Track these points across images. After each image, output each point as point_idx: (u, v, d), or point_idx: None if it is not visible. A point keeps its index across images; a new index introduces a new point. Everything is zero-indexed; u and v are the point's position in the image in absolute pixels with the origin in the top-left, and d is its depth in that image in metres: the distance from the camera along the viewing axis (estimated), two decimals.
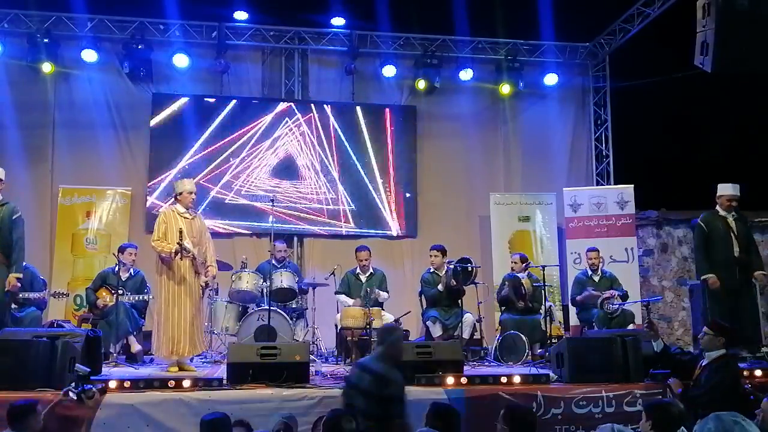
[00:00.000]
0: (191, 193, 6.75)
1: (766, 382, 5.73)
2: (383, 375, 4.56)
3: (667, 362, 5.84)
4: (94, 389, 4.90)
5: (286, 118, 10.27)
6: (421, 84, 10.40)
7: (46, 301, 7.57)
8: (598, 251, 8.39)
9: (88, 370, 5.02)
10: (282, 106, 10.27)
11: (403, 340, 5.19)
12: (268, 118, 10.21)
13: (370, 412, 4.33)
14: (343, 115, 10.42)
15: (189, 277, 6.52)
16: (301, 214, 10.13)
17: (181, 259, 6.43)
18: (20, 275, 6.35)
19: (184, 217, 6.63)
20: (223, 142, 10.07)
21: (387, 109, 10.56)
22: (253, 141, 10.15)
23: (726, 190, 7.32)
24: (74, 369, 5.02)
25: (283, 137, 10.25)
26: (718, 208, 7.33)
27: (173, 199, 6.82)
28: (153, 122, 9.90)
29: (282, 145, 10.24)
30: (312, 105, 10.35)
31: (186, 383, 5.33)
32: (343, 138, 10.37)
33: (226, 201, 9.98)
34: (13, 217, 6.28)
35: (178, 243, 6.39)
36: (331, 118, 10.37)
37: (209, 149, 10.04)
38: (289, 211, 10.07)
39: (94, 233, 9.39)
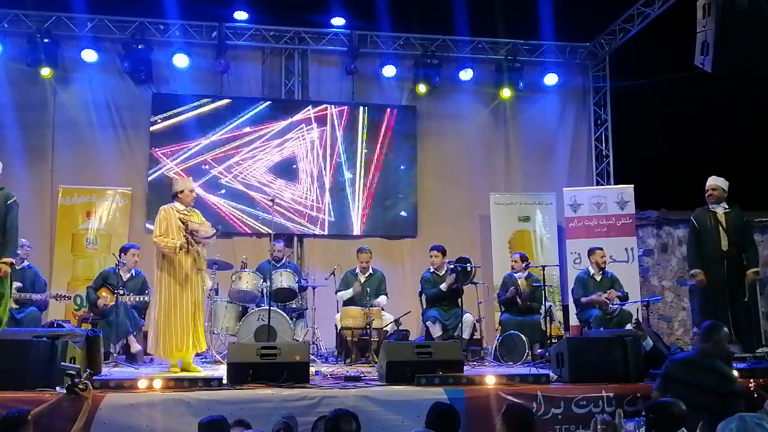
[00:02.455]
0: (192, 191, 6.77)
1: (766, 383, 5.71)
2: (724, 372, 4.73)
3: (661, 362, 5.84)
4: (82, 380, 4.88)
5: (309, 109, 10.34)
6: (422, 88, 10.40)
7: (47, 302, 7.58)
8: (604, 249, 8.36)
9: (78, 368, 5.01)
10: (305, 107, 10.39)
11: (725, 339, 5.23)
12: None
13: (700, 405, 4.39)
14: (343, 115, 10.43)
15: (191, 274, 6.51)
16: (288, 220, 10.13)
17: (187, 252, 6.44)
18: (12, 261, 6.28)
19: (184, 214, 6.63)
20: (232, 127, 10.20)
21: (387, 109, 10.57)
22: (261, 132, 10.22)
23: (708, 182, 7.33)
24: (61, 368, 5.00)
25: (294, 131, 10.28)
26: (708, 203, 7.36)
27: (172, 197, 6.80)
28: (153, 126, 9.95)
29: (291, 138, 10.26)
30: (327, 108, 10.43)
31: (186, 383, 5.33)
32: (344, 139, 10.40)
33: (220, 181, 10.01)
34: (8, 202, 6.25)
35: (184, 234, 6.41)
36: (341, 121, 10.43)
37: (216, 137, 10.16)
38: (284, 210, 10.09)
39: (94, 233, 9.40)
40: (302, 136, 10.31)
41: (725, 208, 7.25)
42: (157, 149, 9.91)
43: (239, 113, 10.17)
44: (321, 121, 10.37)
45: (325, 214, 10.24)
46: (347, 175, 10.36)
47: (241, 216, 10.00)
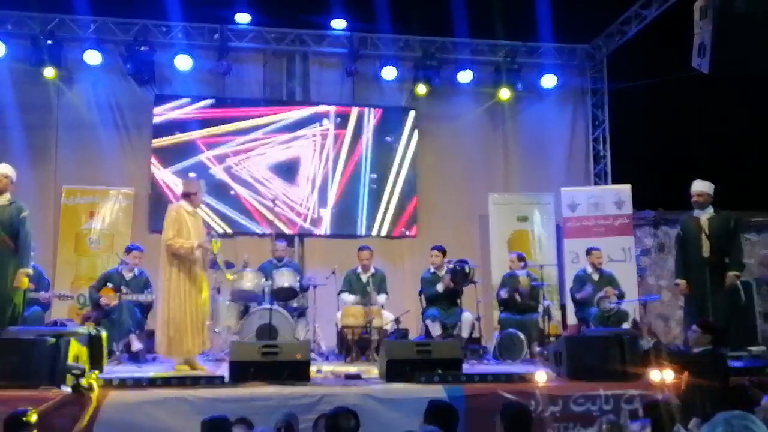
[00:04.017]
0: (203, 194, 6.85)
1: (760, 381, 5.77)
2: None
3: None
4: (88, 379, 4.94)
5: (317, 123, 10.40)
6: (422, 89, 10.44)
7: (50, 301, 7.63)
8: (601, 250, 8.42)
9: (83, 367, 5.06)
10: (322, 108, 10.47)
11: None
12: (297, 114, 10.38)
13: None
14: (349, 119, 10.50)
15: (199, 274, 6.56)
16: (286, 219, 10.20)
17: (214, 254, 6.56)
18: (30, 271, 6.45)
19: (191, 215, 6.65)
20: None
21: (387, 110, 10.62)
22: (270, 128, 10.31)
23: (692, 187, 7.32)
24: (67, 368, 5.06)
25: (303, 138, 10.35)
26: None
27: (182, 195, 6.79)
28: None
29: (297, 145, 10.34)
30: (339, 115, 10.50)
31: (188, 382, 5.38)
32: (346, 142, 10.45)
33: (211, 171, 10.08)
34: (21, 216, 6.38)
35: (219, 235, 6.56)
36: (345, 125, 10.50)
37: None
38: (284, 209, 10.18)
39: (97, 233, 9.44)
40: (307, 142, 10.36)
41: (710, 214, 7.22)
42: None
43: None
44: (335, 125, 10.45)
45: (318, 214, 10.27)
46: (348, 176, 10.41)
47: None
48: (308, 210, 10.26)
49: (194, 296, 6.47)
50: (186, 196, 6.72)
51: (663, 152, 10.59)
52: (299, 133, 10.34)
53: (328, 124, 10.43)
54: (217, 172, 10.10)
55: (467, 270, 7.82)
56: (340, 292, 8.32)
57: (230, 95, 10.26)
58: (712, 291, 7.05)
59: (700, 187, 7.28)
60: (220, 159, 10.13)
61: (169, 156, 9.99)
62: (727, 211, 7.33)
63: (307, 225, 10.23)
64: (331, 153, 10.40)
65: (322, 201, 10.30)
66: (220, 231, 9.60)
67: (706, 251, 7.13)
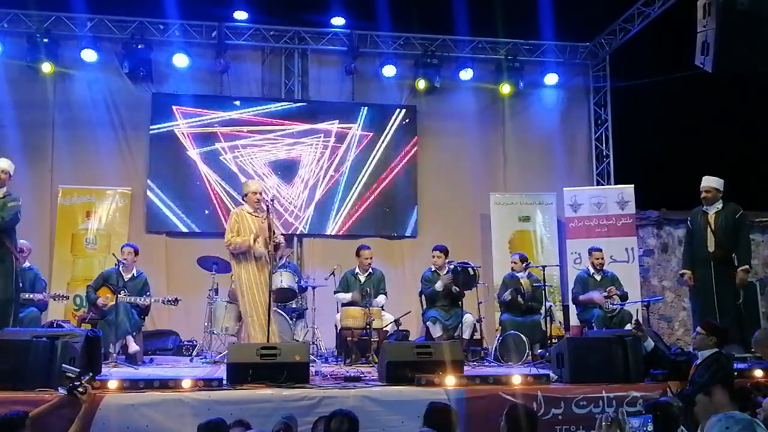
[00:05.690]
0: (255, 193, 6.90)
1: (766, 383, 5.70)
2: None
3: (662, 362, 5.86)
4: (83, 383, 4.87)
5: (321, 134, 10.38)
6: (422, 84, 10.40)
7: (46, 302, 7.56)
8: (602, 251, 8.37)
9: (77, 370, 4.99)
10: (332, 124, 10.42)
11: None
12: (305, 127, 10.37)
13: None
14: (344, 115, 10.43)
15: (262, 274, 6.66)
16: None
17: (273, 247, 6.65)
18: None
19: (255, 216, 6.79)
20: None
21: (387, 109, 10.56)
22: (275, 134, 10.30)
23: (702, 183, 7.28)
24: (62, 370, 5.00)
25: (304, 144, 10.31)
26: None
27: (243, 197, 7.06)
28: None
29: (300, 146, 10.30)
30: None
31: (185, 383, 5.32)
32: (348, 143, 10.40)
33: (220, 157, 10.10)
34: (9, 205, 6.31)
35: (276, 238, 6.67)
36: (349, 129, 10.46)
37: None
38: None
39: (93, 233, 9.40)
40: (310, 148, 10.31)
41: (717, 209, 7.19)
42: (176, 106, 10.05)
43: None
44: (336, 139, 10.39)
45: (303, 212, 10.22)
46: (344, 174, 10.35)
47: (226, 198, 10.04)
48: (296, 208, 10.20)
49: (259, 293, 6.62)
50: (244, 197, 6.99)
51: (666, 151, 10.54)
52: (303, 140, 10.31)
53: (330, 138, 10.37)
54: (228, 160, 10.11)
55: (471, 271, 7.76)
56: (336, 292, 8.24)
57: (228, 94, 10.19)
58: (718, 288, 7.02)
59: (706, 182, 7.26)
60: (232, 149, 10.14)
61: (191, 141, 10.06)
62: (735, 204, 7.25)
63: (291, 219, 10.16)
64: (326, 163, 10.35)
65: (309, 201, 10.25)
66: None
67: (711, 246, 7.12)
